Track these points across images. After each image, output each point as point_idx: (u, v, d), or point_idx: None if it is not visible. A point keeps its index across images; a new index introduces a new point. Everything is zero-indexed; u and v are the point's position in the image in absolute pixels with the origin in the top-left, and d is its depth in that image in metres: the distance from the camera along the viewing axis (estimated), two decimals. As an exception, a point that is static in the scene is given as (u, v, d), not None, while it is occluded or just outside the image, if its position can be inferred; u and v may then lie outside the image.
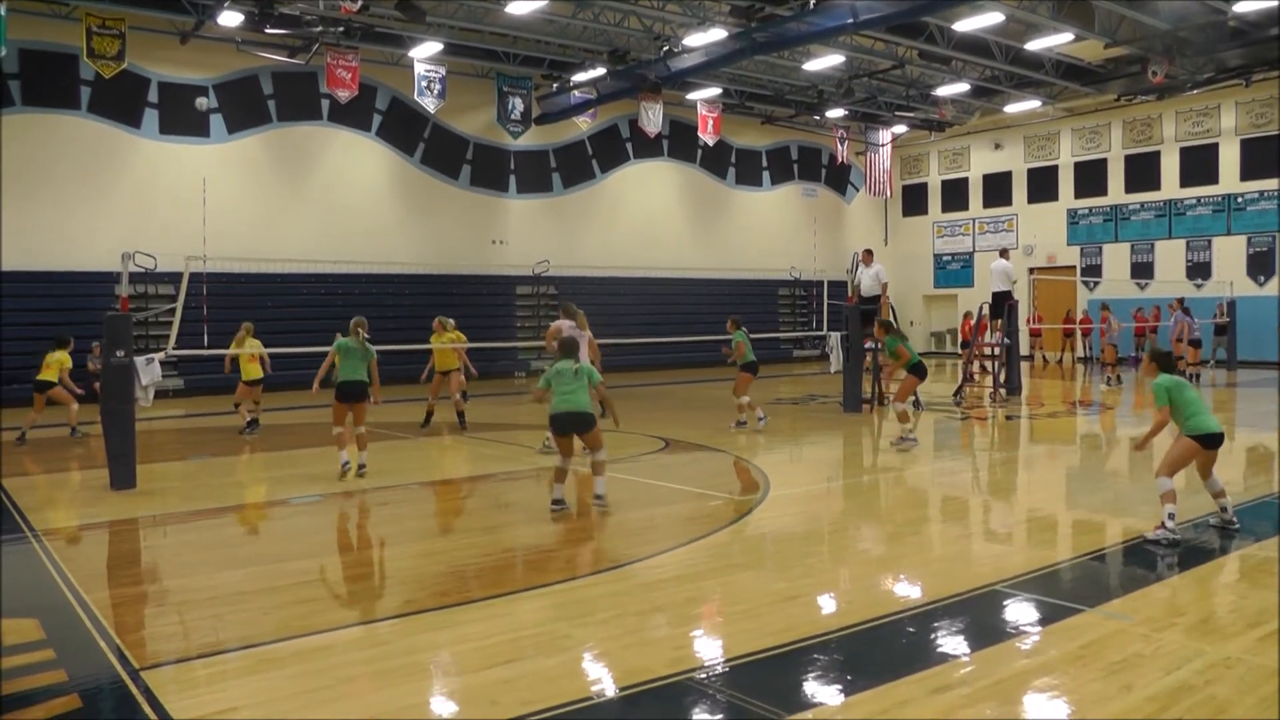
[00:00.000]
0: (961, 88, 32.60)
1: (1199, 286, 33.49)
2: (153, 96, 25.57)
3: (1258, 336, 30.63)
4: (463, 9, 24.77)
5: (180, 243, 21.06)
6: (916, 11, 23.48)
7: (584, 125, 32.79)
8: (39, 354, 23.05)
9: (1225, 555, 8.43)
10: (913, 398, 20.17)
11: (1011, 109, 35.37)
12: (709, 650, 6.16)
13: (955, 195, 41.59)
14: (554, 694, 5.31)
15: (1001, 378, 22.56)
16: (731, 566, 8.13)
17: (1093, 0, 24.42)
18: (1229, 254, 33.29)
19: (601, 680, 5.68)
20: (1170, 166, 34.84)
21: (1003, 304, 22.51)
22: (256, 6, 22.16)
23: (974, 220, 40.88)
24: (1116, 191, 36.24)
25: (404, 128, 29.64)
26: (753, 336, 17.64)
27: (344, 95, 26.04)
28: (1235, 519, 9.07)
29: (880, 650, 6.13)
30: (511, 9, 23.46)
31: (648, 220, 35.04)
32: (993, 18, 24.30)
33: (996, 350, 23.20)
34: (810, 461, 14.77)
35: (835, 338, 21.28)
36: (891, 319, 20.87)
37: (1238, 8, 24.32)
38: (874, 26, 24.43)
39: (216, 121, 26.54)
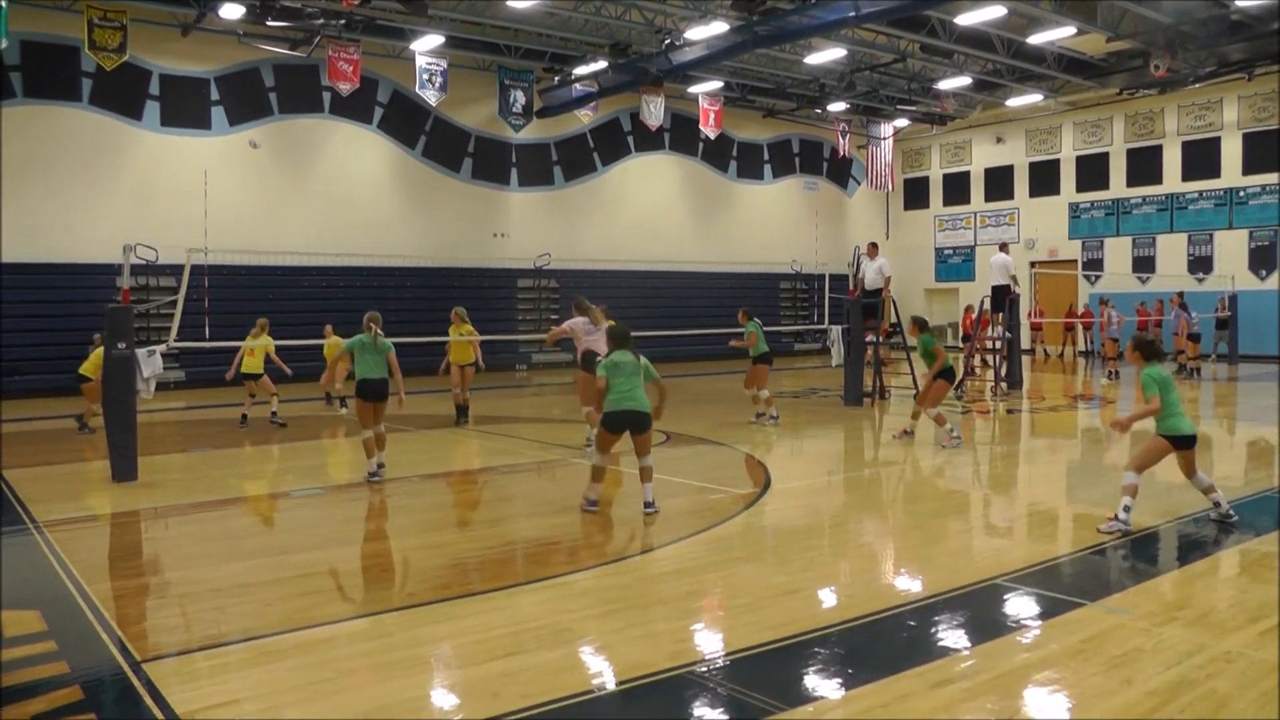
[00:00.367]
0: (963, 81, 32.56)
1: (1200, 281, 33.47)
2: (154, 89, 25.56)
3: (1259, 330, 30.59)
4: (464, 2, 24.75)
5: (181, 235, 21.05)
6: (918, 5, 23.47)
7: (585, 118, 32.77)
8: (39, 346, 23.22)
9: (1225, 550, 8.43)
10: (915, 391, 20.19)
11: (1013, 103, 35.32)
12: (710, 644, 6.17)
13: (957, 189, 41.56)
14: (555, 687, 5.32)
15: (1003, 372, 22.55)
16: (732, 560, 8.13)
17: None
18: (1231, 248, 33.26)
19: (602, 673, 5.68)
20: (1172, 160, 34.82)
21: (1003, 298, 22.50)
22: (258, -1, 22.17)
23: (975, 214, 40.85)
24: (1118, 185, 36.22)
25: (405, 120, 29.62)
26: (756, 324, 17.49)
27: (345, 88, 26.00)
28: (1232, 512, 9.06)
29: (881, 644, 6.14)
30: (513, 2, 23.44)
31: (649, 213, 35.02)
32: (995, 11, 24.26)
33: (997, 344, 23.19)
34: (811, 455, 14.77)
35: (836, 331, 21.21)
36: (894, 312, 20.88)
37: (1240, 2, 24.29)
38: (876, 20, 24.39)
39: (218, 114, 26.54)
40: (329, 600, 7.24)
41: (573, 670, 5.67)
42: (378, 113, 29.18)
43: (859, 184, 41.87)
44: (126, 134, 25.24)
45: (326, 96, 27.87)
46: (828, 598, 7.22)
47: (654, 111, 31.24)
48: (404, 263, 27.67)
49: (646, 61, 27.90)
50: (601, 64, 28.58)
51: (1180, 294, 29.21)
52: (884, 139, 38.59)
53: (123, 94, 24.95)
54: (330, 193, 28.20)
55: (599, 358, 9.92)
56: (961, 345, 30.55)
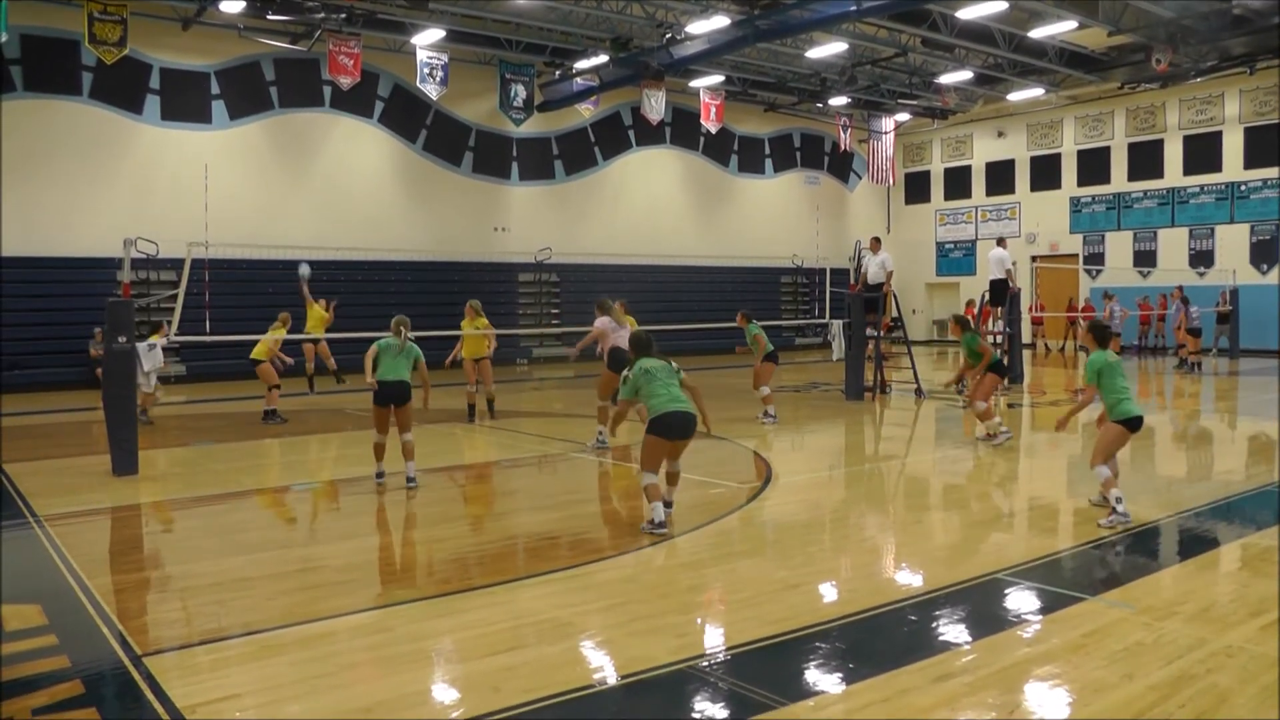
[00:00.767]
0: (964, 75, 32.52)
1: (1202, 275, 33.44)
2: (154, 83, 25.53)
3: (1260, 325, 30.59)
4: (465, -4, 24.76)
5: (182, 229, 20.99)
6: (919, -2, 23.43)
7: (586, 112, 32.72)
8: (41, 340, 23.23)
9: (1226, 544, 8.44)
10: (915, 385, 20.20)
11: (1014, 97, 35.28)
12: (711, 638, 6.17)
13: (958, 183, 41.54)
14: (556, 681, 5.32)
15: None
16: (734, 554, 8.14)
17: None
18: (1232, 242, 33.25)
19: (603, 668, 5.68)
20: (1173, 154, 34.80)
21: (1002, 292, 22.49)
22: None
23: (977, 208, 40.83)
24: (1119, 179, 36.21)
25: (406, 115, 29.60)
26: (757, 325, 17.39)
27: (346, 82, 25.98)
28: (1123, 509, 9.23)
29: (882, 639, 6.14)
30: (514, -4, 23.42)
31: (650, 208, 35.00)
32: (996, 5, 24.25)
33: (998, 339, 23.18)
34: (812, 450, 14.76)
35: (837, 325, 21.22)
36: (895, 307, 20.87)
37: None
38: (877, 14, 24.38)
39: (218, 108, 26.52)
40: (330, 594, 7.23)
41: (574, 665, 5.67)
42: (378, 107, 29.16)
43: (860, 178, 41.83)
44: (127, 128, 25.22)
45: (327, 91, 27.85)
46: (829, 592, 7.23)
47: (655, 106, 31.22)
48: (404, 257, 27.65)
49: (647, 55, 27.89)
50: (602, 58, 28.55)
51: (1180, 288, 29.22)
52: (885, 133, 38.55)
53: (123, 88, 24.93)
54: (331, 187, 28.18)
55: (626, 368, 9.21)
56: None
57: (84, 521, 9.69)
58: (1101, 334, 9.31)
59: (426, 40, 26.35)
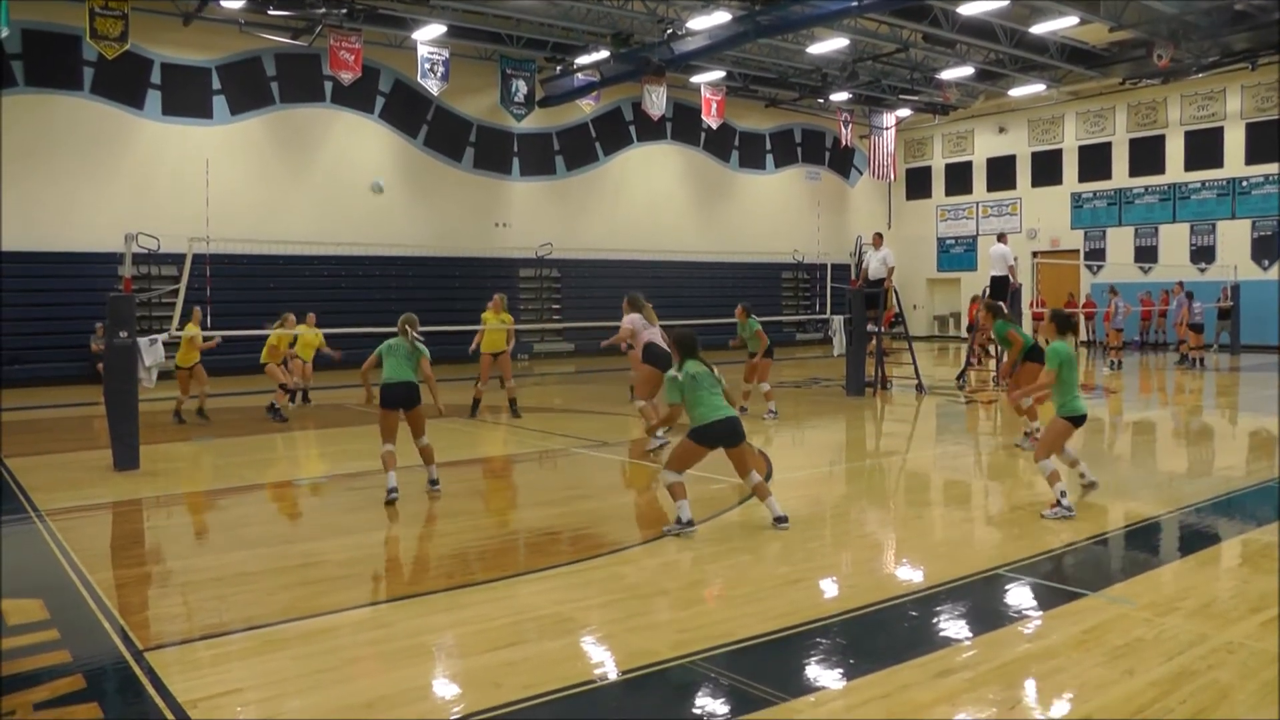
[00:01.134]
0: (966, 71, 32.49)
1: (1203, 271, 33.43)
2: (155, 78, 25.52)
3: (1261, 321, 30.60)
4: (466, -9, 24.75)
5: (183, 224, 21.00)
6: (920, -7, 23.42)
7: (587, 108, 32.71)
8: (41, 334, 23.23)
9: (1227, 540, 8.44)
10: (916, 381, 20.19)
11: (1016, 92, 35.25)
12: (712, 633, 6.16)
13: (959, 179, 41.51)
14: (557, 676, 5.33)
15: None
16: (734, 550, 8.13)
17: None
18: (1233, 238, 33.24)
19: (604, 663, 5.68)
20: (1175, 150, 34.77)
21: (1003, 288, 22.47)
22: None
23: (978, 204, 40.81)
24: (1120, 175, 36.19)
25: (407, 110, 29.58)
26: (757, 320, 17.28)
27: (347, 77, 25.97)
28: (1094, 478, 9.81)
29: (883, 634, 6.14)
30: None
31: (651, 203, 34.99)
32: (997, 1, 24.21)
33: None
34: (813, 445, 14.77)
35: (838, 321, 21.19)
36: (896, 303, 20.84)
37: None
38: (878, 9, 24.36)
39: (219, 103, 26.51)
40: (331, 589, 7.24)
41: (575, 660, 5.67)
42: (379, 102, 29.15)
43: (861, 174, 41.81)
44: (128, 123, 25.21)
45: (328, 86, 27.84)
46: (830, 588, 7.23)
47: (656, 101, 31.19)
48: (405, 252, 27.64)
49: (648, 51, 27.86)
50: (603, 53, 28.53)
51: (1181, 284, 29.24)
52: (886, 129, 38.54)
53: (124, 83, 24.91)
54: (332, 182, 28.17)
55: (674, 368, 8.94)
56: (966, 335, 30.52)
57: (85, 516, 9.70)
58: (1064, 322, 9.41)
59: (427, 35, 26.33)
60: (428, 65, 26.94)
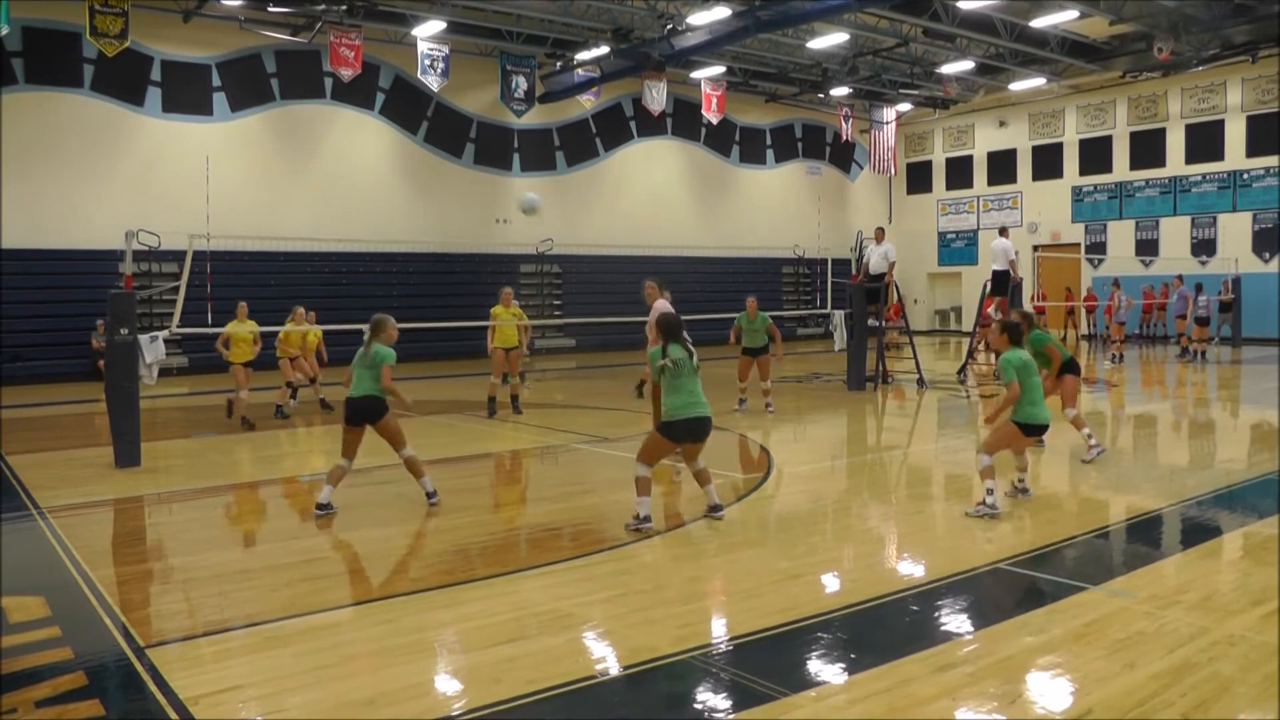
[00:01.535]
0: (966, 65, 32.47)
1: (1204, 264, 33.42)
2: (155, 75, 25.52)
3: (1263, 313, 30.60)
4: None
5: (184, 221, 21.03)
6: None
7: (588, 104, 32.70)
8: (42, 331, 23.24)
9: (1228, 533, 8.44)
10: (917, 376, 20.19)
11: (1016, 86, 35.20)
12: (713, 629, 6.17)
13: (960, 173, 41.50)
14: (558, 672, 5.33)
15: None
16: (735, 545, 8.13)
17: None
18: (1234, 231, 33.23)
19: (605, 659, 5.69)
20: (1175, 143, 34.76)
21: (1004, 282, 22.45)
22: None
23: (978, 198, 40.80)
24: (1121, 169, 36.18)
25: (407, 106, 29.58)
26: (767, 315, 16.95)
27: (347, 74, 25.95)
28: (1029, 488, 9.58)
29: (884, 629, 6.15)
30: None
31: (651, 199, 34.99)
32: (998, -6, 24.24)
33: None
34: (814, 440, 14.77)
35: (839, 316, 21.17)
36: (896, 297, 20.80)
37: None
38: (878, 4, 24.36)
39: (219, 100, 26.50)
40: (332, 586, 7.24)
41: (576, 656, 5.67)
42: (379, 98, 29.14)
43: (861, 168, 41.81)
44: (128, 120, 25.21)
45: (328, 82, 27.83)
46: (831, 583, 7.23)
47: (656, 96, 31.17)
48: (406, 248, 27.64)
49: (648, 47, 27.84)
50: (604, 49, 28.52)
51: (1180, 277, 29.28)
52: (886, 123, 38.51)
53: (124, 80, 24.91)
54: (332, 179, 28.17)
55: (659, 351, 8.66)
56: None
57: (86, 513, 9.70)
58: (1014, 333, 9.28)
59: (427, 32, 26.30)
60: (428, 61, 26.92)
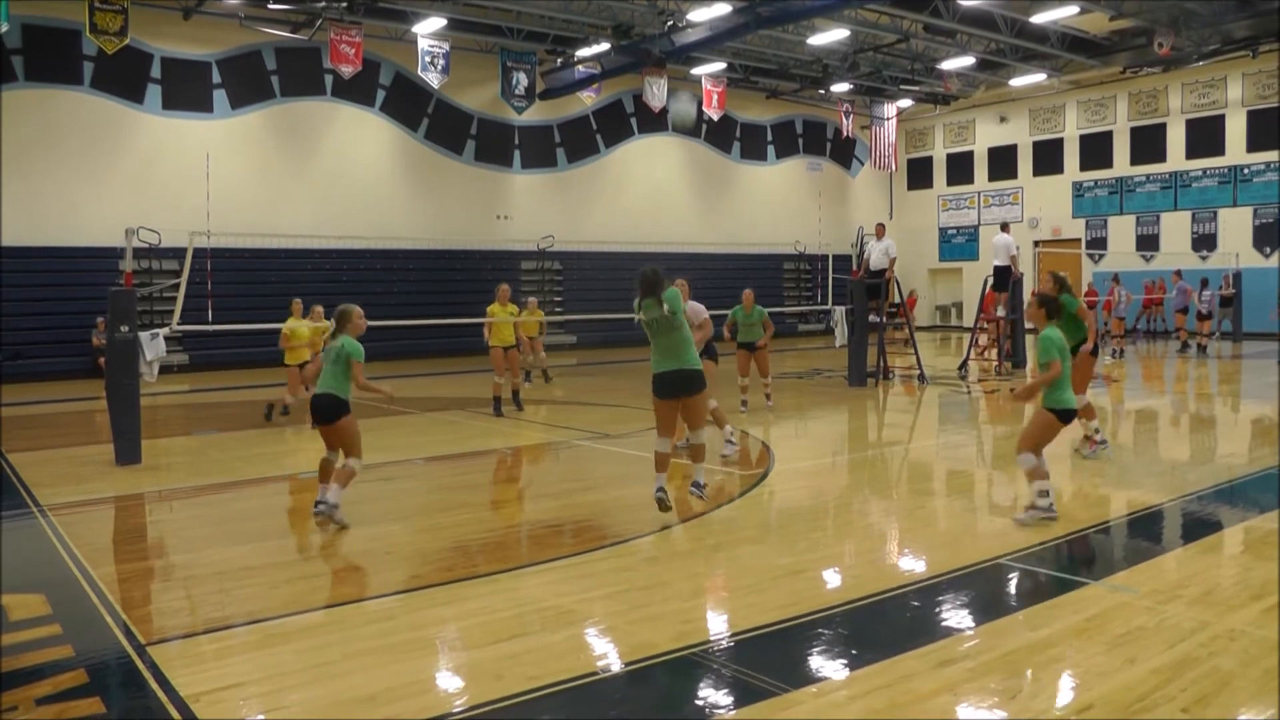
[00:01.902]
0: (967, 61, 32.44)
1: (1204, 258, 33.40)
2: (155, 72, 25.52)
3: (1263, 308, 30.54)
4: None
5: (184, 218, 21.03)
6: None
7: (588, 100, 32.71)
8: (42, 329, 23.25)
9: (1229, 528, 8.43)
10: (918, 371, 20.18)
11: (1017, 82, 35.18)
12: (714, 625, 6.18)
13: (960, 168, 41.48)
14: (559, 669, 5.33)
15: (1006, 350, 22.57)
16: (736, 541, 8.13)
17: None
18: (1235, 226, 33.22)
19: (607, 655, 5.69)
20: (1176, 138, 34.76)
21: (1006, 278, 22.47)
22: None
23: (979, 193, 40.80)
24: (1122, 164, 36.18)
25: (408, 103, 29.57)
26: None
27: (347, 71, 25.94)
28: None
29: (885, 624, 6.15)
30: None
31: (652, 195, 34.98)
32: (998, -10, 24.22)
33: (1001, 323, 23.18)
34: (815, 436, 14.76)
35: (840, 312, 21.14)
36: (897, 293, 20.79)
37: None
38: (878, 0, 24.30)
39: (220, 97, 26.50)
40: (333, 582, 7.25)
41: (577, 652, 5.68)
42: (380, 95, 29.14)
43: (862, 164, 41.79)
44: (128, 117, 25.21)
45: (328, 79, 27.82)
46: (832, 578, 7.22)
47: (657, 93, 31.17)
48: (407, 245, 27.66)
49: (649, 43, 27.84)
50: (604, 46, 28.51)
51: (1179, 272, 29.28)
52: (887, 119, 38.48)
53: (124, 77, 24.91)
54: (333, 176, 28.17)
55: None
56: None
57: (87, 511, 9.70)
58: (1053, 308, 8.62)
59: (428, 28, 26.30)
60: (428, 58, 26.90)
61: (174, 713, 4.89)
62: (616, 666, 5.49)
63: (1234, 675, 5.14)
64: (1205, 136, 33.91)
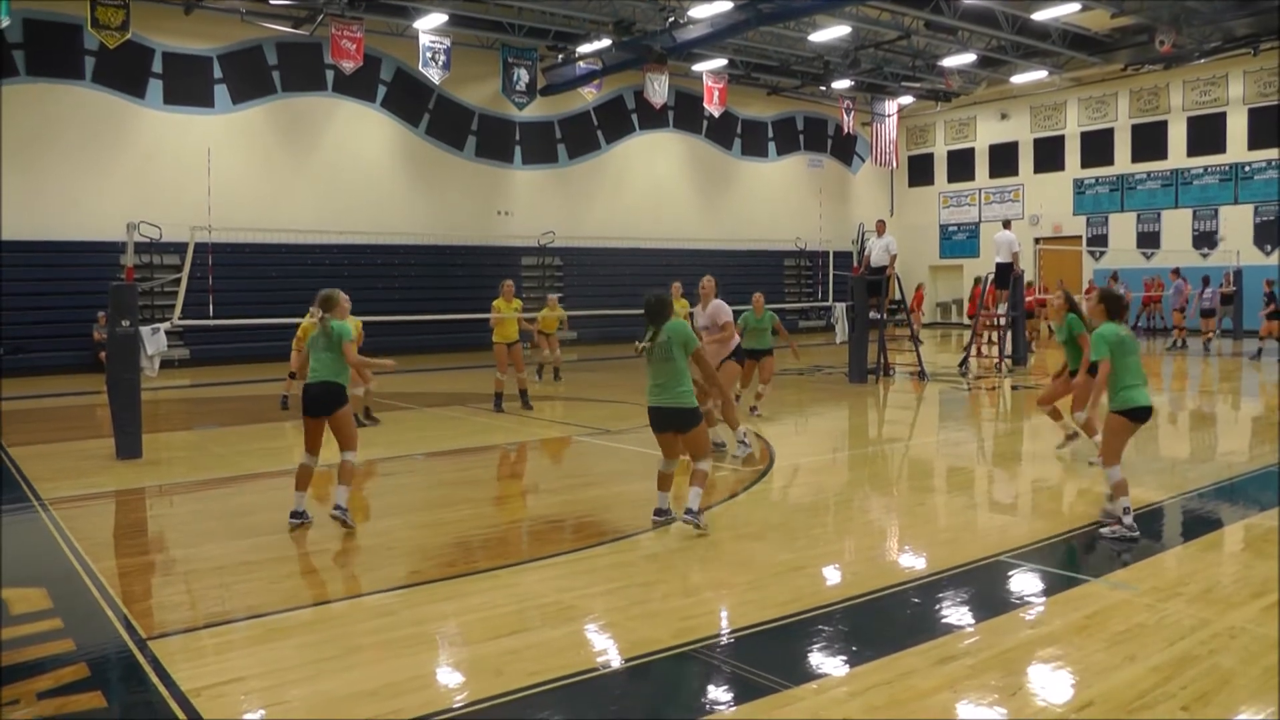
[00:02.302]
0: (968, 58, 32.40)
1: (1205, 256, 33.39)
2: (157, 67, 25.50)
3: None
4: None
5: (185, 213, 21.00)
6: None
7: (589, 96, 32.67)
8: (43, 323, 23.25)
9: (1229, 525, 8.44)
10: (919, 369, 20.18)
11: (1018, 79, 35.16)
12: (715, 621, 6.18)
13: (961, 166, 41.45)
14: (560, 665, 5.34)
15: (1007, 348, 22.58)
16: (737, 537, 8.13)
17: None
18: (1236, 223, 33.20)
19: (607, 651, 5.69)
20: (1177, 136, 34.73)
21: (1007, 275, 22.47)
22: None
23: (980, 191, 40.77)
24: (1123, 161, 36.15)
25: (409, 98, 29.55)
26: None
27: (348, 66, 25.91)
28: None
29: (885, 621, 6.15)
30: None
31: (653, 191, 34.96)
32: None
33: (1001, 321, 23.18)
34: (816, 433, 14.77)
35: (841, 308, 21.14)
36: (897, 290, 20.79)
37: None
38: (880, -4, 24.34)
39: (221, 92, 26.49)
40: (334, 578, 7.25)
41: (578, 648, 5.68)
42: (381, 91, 29.11)
43: (863, 161, 41.76)
44: (129, 112, 25.20)
45: (329, 75, 27.79)
46: (832, 575, 7.23)
47: (658, 89, 31.14)
48: (407, 240, 27.62)
49: (650, 39, 27.83)
50: (605, 42, 28.48)
51: (1177, 270, 29.28)
52: (888, 116, 38.43)
53: (126, 72, 24.89)
54: (334, 171, 28.16)
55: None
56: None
57: (88, 505, 9.71)
58: (1114, 305, 8.14)
59: (429, 24, 26.27)
60: (429, 54, 26.88)
61: (174, 707, 4.90)
62: (617, 662, 5.50)
63: (1234, 673, 5.15)
64: (1206, 134, 33.89)
